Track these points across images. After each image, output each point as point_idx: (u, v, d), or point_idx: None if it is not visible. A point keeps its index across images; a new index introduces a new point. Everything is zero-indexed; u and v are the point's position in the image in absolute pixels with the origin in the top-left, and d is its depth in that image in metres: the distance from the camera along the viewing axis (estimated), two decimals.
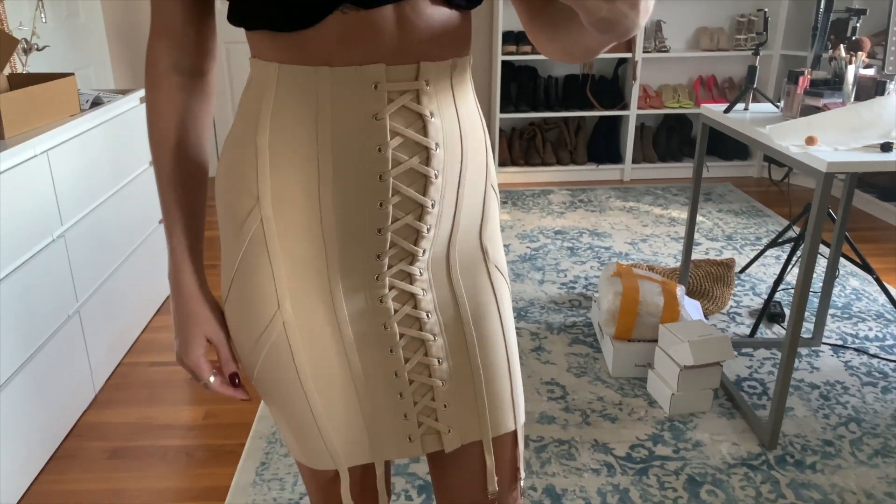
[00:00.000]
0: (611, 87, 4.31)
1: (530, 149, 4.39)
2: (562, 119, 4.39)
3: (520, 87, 4.26)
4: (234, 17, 0.73)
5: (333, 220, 0.74)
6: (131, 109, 2.50)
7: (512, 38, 4.12)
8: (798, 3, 4.09)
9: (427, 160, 0.73)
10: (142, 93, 2.59)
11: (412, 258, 0.79)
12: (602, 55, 4.09)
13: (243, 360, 0.82)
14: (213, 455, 1.91)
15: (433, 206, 0.76)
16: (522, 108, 4.22)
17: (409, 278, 0.80)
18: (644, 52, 4.14)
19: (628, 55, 4.14)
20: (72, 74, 2.19)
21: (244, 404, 2.12)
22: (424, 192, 0.75)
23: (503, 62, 4.15)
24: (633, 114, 4.22)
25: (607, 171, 4.36)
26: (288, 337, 0.77)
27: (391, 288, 0.79)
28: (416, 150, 0.73)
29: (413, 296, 0.81)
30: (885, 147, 1.66)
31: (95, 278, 2.20)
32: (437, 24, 0.71)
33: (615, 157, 4.38)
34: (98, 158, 2.25)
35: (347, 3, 0.66)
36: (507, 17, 4.16)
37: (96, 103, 2.33)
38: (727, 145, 4.43)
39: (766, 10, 2.47)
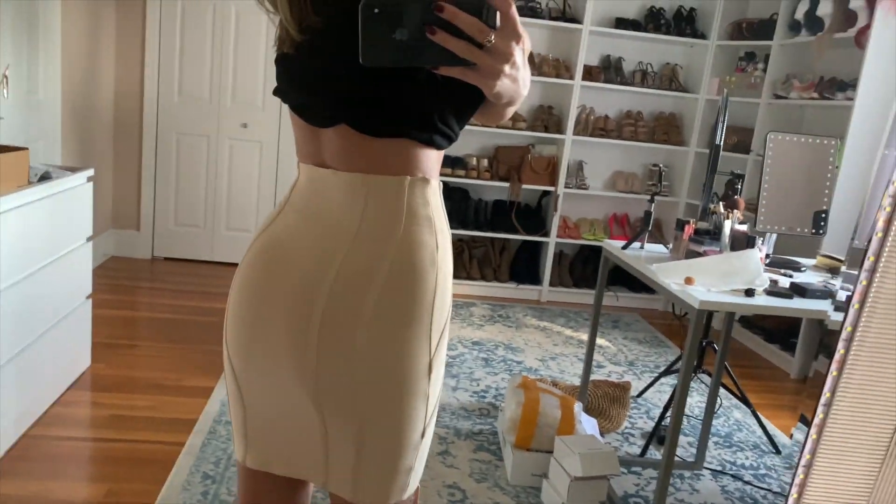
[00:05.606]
0: (534, 215, 4.69)
1: (457, 263, 4.65)
2: (489, 239, 4.70)
3: (452, 205, 4.57)
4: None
5: None
6: (78, 186, 2.61)
7: (448, 161, 4.47)
8: (703, 160, 4.63)
9: None
10: (89, 172, 2.70)
11: None
12: (528, 186, 4.48)
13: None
14: None
15: None
16: (453, 225, 4.51)
17: None
18: (566, 187, 4.56)
19: (551, 188, 4.54)
20: (26, 149, 2.30)
21: (147, 484, 2.13)
22: None
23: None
24: (552, 241, 4.58)
25: (526, 291, 4.64)
26: None
27: None
28: None
29: None
30: (749, 292, 1.96)
31: (16, 345, 2.22)
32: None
33: (534, 279, 4.68)
34: (39, 229, 2.33)
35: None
36: None
37: (45, 178, 2.43)
38: (637, 279, 4.80)
39: (661, 164, 2.86)
